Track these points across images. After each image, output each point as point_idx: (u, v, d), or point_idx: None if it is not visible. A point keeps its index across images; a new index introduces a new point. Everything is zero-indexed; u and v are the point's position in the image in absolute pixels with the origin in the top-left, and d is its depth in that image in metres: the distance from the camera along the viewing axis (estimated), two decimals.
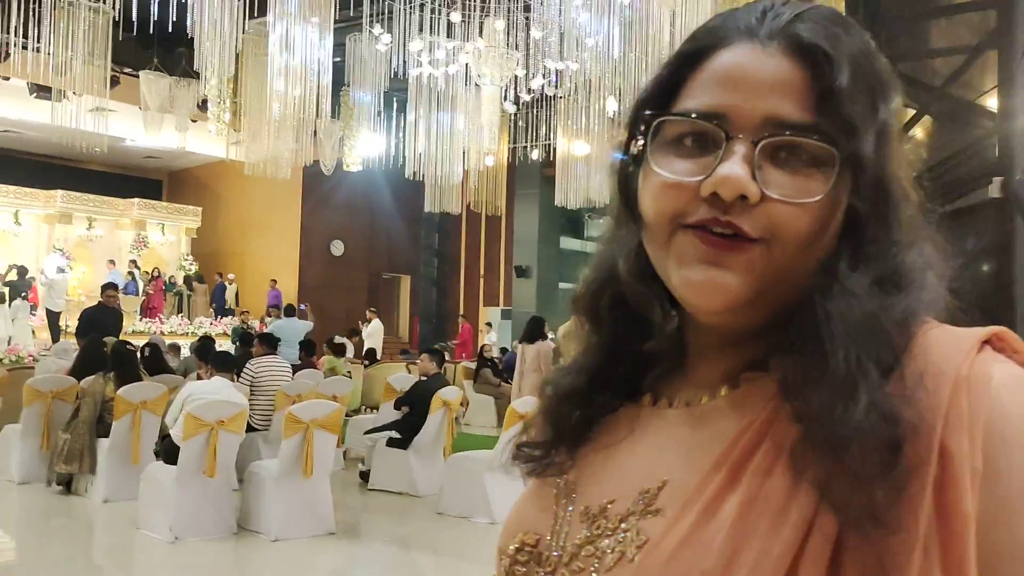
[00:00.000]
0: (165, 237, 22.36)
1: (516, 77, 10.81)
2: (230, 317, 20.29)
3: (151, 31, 11.60)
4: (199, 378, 6.92)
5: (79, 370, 8.27)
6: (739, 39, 0.66)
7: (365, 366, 13.27)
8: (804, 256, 0.64)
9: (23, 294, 15.70)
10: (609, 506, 0.69)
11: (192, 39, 10.66)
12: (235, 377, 6.72)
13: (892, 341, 0.61)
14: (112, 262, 19.80)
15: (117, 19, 11.24)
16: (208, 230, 23.06)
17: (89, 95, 12.39)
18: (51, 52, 11.67)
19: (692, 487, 0.64)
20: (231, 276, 21.49)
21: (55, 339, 16.08)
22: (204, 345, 8.52)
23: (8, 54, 11.75)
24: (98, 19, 11.55)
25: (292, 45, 10.30)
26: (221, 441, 5.88)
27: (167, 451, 6.08)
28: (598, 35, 9.68)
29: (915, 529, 0.55)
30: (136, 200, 22.06)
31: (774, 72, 0.64)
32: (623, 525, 0.67)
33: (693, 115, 0.65)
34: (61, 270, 17.56)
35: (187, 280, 21.71)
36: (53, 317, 16.15)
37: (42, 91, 16.09)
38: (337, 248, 23.18)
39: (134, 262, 20.45)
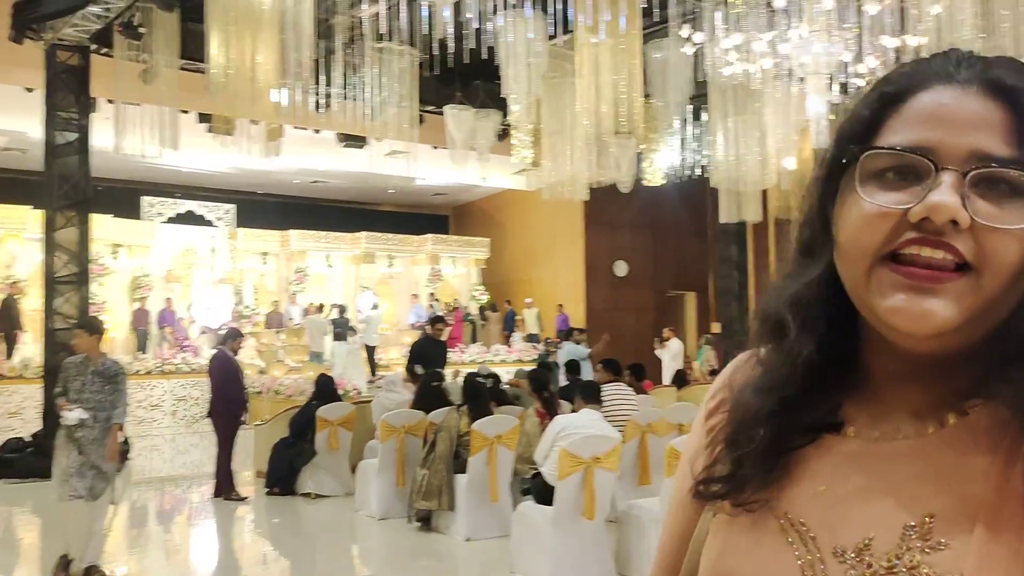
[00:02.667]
0: (456, 269, 23.15)
1: (843, 63, 9.74)
2: (535, 344, 20.47)
3: (451, 66, 11.89)
4: (569, 410, 6.55)
5: (420, 403, 8.31)
6: (938, 82, 0.70)
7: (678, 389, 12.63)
8: (1014, 284, 0.66)
9: (352, 330, 16.64)
10: (869, 544, 0.68)
11: (490, 70, 10.67)
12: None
13: None
14: (415, 296, 20.70)
15: (421, 61, 11.53)
16: (495, 260, 23.60)
17: (388, 139, 12.86)
18: (364, 99, 12.23)
19: (969, 520, 0.65)
20: (528, 300, 21.73)
21: (373, 372, 16.96)
22: (540, 377, 8.26)
23: (329, 105, 12.41)
24: (405, 62, 11.91)
25: (596, 60, 9.94)
26: (597, 479, 5.42)
27: (539, 490, 5.73)
28: (945, 1, 8.43)
29: None
30: (429, 236, 23.06)
31: (976, 111, 0.67)
32: (905, 561, 0.66)
33: (903, 149, 0.68)
34: (375, 306, 18.54)
35: (480, 310, 22.27)
36: (370, 351, 16.99)
37: (350, 140, 17.21)
38: (621, 269, 22.83)
39: (432, 295, 21.27)
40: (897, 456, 0.71)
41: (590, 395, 6.01)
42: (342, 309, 18.22)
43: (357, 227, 22.42)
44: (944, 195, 0.65)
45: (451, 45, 10.28)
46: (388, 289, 22.27)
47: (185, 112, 13.52)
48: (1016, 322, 0.67)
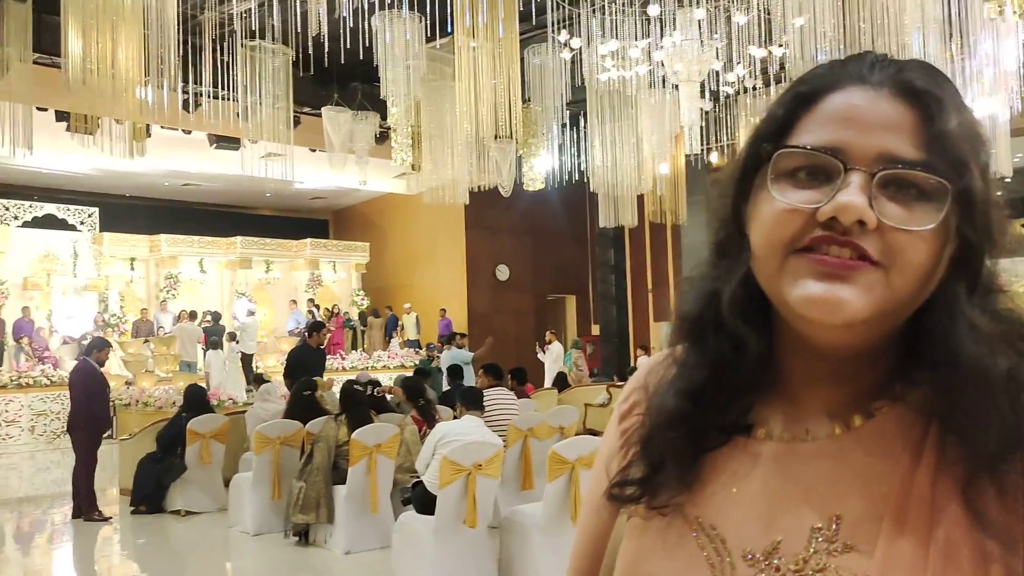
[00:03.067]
0: (337, 275, 22.70)
1: (713, 72, 10.03)
2: (416, 349, 20.26)
3: (327, 66, 11.60)
4: (451, 417, 6.44)
5: (292, 413, 8.05)
6: (851, 83, 0.71)
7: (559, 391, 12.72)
8: (920, 284, 0.67)
9: (233, 338, 16.05)
10: (778, 547, 0.69)
11: (368, 72, 10.46)
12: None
13: None
14: (294, 302, 20.19)
15: (295, 60, 11.21)
16: (376, 265, 23.29)
17: (263, 141, 12.47)
18: (237, 99, 11.79)
19: (875, 521, 0.66)
20: (407, 306, 21.50)
21: (249, 381, 16.39)
22: (414, 385, 8.13)
23: (199, 104, 11.92)
24: (278, 62, 11.56)
25: (476, 64, 9.89)
26: (479, 487, 5.35)
27: (420, 499, 5.61)
28: (807, 15, 8.80)
29: None
30: (308, 240, 22.53)
31: (886, 112, 0.69)
32: (812, 564, 0.67)
33: (813, 148, 0.69)
34: (251, 313, 17.96)
35: (361, 315, 21.91)
36: (247, 360, 16.43)
37: (223, 141, 16.60)
38: (502, 273, 22.92)
39: (312, 300, 20.79)
40: (806, 458, 0.72)
41: (471, 401, 5.93)
42: (216, 316, 17.55)
43: (232, 231, 21.67)
44: (852, 195, 0.66)
45: (327, 45, 10.05)
46: (266, 295, 21.62)
47: (43, 110, 12.75)
48: (922, 323, 0.69)
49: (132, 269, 20.45)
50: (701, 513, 0.74)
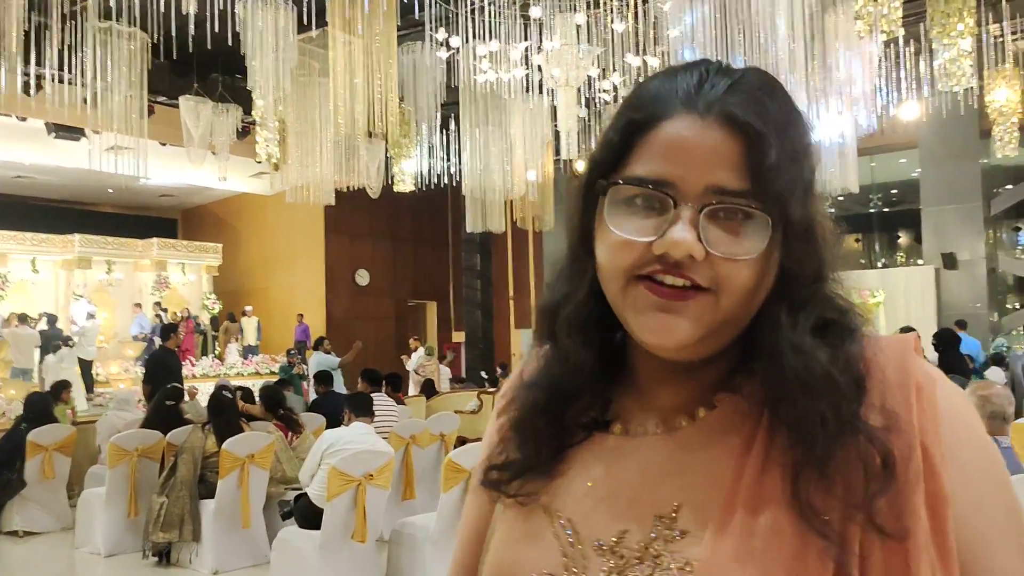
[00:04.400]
0: (186, 277, 21.52)
1: (589, 78, 10.07)
2: (259, 356, 19.43)
3: (187, 53, 10.89)
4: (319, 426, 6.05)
5: (154, 422, 7.44)
6: (680, 111, 0.75)
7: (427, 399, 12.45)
8: (747, 303, 0.74)
9: (69, 342, 14.83)
10: (624, 536, 0.74)
11: (230, 62, 9.90)
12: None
13: (853, 382, 0.72)
14: (139, 305, 19.00)
15: (154, 44, 10.48)
16: (229, 267, 22.26)
17: (110, 132, 11.59)
18: (85, 84, 10.90)
19: (711, 508, 0.71)
20: (247, 308, 20.57)
21: (89, 388, 15.23)
22: (272, 394, 7.72)
23: (40, 87, 10.95)
24: (133, 46, 10.77)
25: (351, 58, 9.54)
26: (369, 498, 5.05)
27: (303, 513, 5.24)
28: (682, 24, 8.98)
29: (919, 524, 0.66)
30: (155, 240, 21.25)
31: (713, 145, 0.73)
32: (651, 551, 0.72)
33: (646, 184, 0.74)
34: (91, 316, 16.71)
35: (213, 320, 20.86)
36: (86, 366, 15.27)
37: (62, 131, 15.37)
38: (362, 277, 22.44)
39: (159, 304, 19.60)
40: (655, 450, 0.78)
41: (361, 407, 5.59)
42: (52, 319, 16.23)
43: (70, 229, 20.14)
44: (681, 232, 0.71)
45: (192, 29, 9.44)
46: (107, 297, 20.18)
47: None
48: (757, 327, 0.75)
49: None
50: (559, 505, 0.79)
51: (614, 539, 0.74)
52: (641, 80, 0.83)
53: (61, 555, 7.24)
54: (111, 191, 21.49)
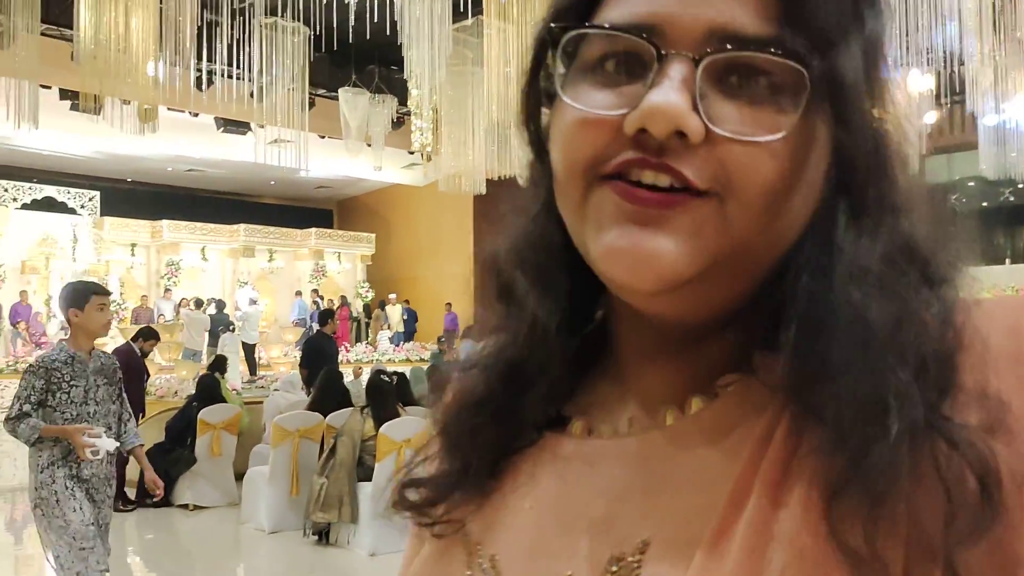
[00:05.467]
0: (341, 265, 22.32)
1: None
2: (409, 343, 19.87)
3: (347, 45, 11.18)
4: None
5: (319, 404, 7.64)
6: None
7: None
8: (773, 219, 0.48)
9: (232, 327, 15.64)
10: None
11: (386, 54, 10.06)
12: None
13: (944, 350, 0.45)
14: (299, 293, 19.80)
15: (316, 37, 10.80)
16: (381, 257, 22.91)
17: (271, 126, 12.03)
18: (252, 79, 11.37)
19: (693, 546, 0.46)
20: (391, 296, 21.02)
21: (252, 371, 15.98)
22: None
23: (211, 83, 11.50)
24: (296, 39, 11.14)
25: (505, 46, 9.50)
26: None
27: None
28: None
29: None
30: (313, 230, 22.15)
31: None
32: None
33: (611, 27, 0.49)
34: (253, 302, 17.56)
35: (365, 307, 21.52)
36: (249, 350, 16.03)
37: (231, 125, 16.16)
38: None
39: (316, 291, 20.38)
40: (621, 460, 0.53)
41: None
42: (220, 305, 17.14)
43: (235, 219, 21.29)
44: (666, 94, 0.46)
45: (352, 21, 9.66)
46: (268, 285, 21.22)
47: (46, 88, 12.30)
48: (788, 277, 0.49)
49: (133, 255, 20.05)
50: (482, 536, 0.56)
51: None
52: None
53: (227, 530, 7.54)
54: (273, 183, 22.57)
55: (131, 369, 8.00)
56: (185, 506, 8.02)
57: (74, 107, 14.05)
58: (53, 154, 18.69)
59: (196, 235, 20.66)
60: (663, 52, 0.47)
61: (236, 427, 8.21)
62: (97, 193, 19.74)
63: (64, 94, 13.73)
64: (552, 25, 0.52)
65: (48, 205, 18.95)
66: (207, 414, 8.03)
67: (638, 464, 0.53)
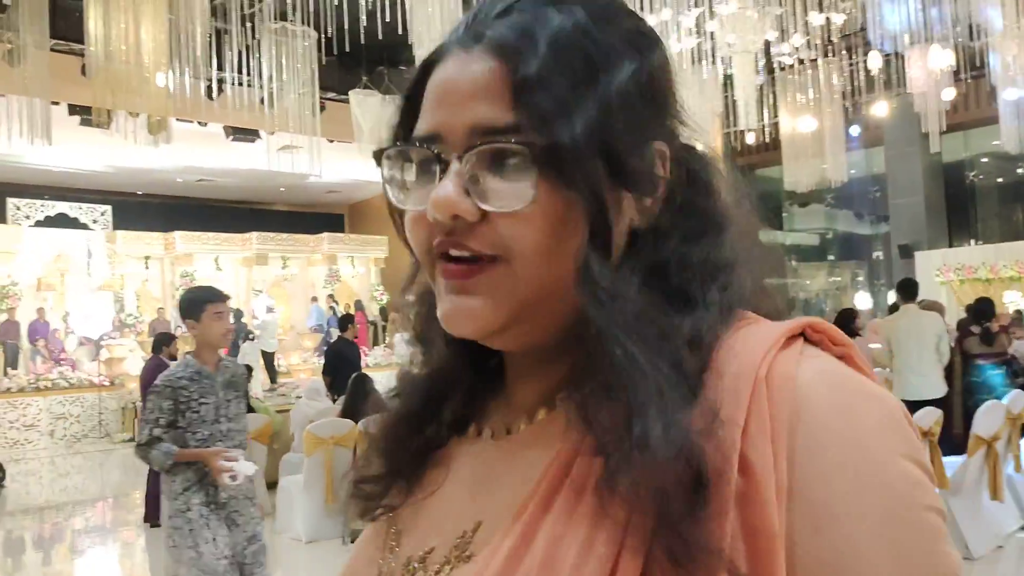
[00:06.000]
0: (355, 270, 22.24)
1: (767, 42, 9.51)
2: None
3: (359, 44, 11.06)
4: None
5: (351, 410, 7.56)
6: (453, 49, 0.63)
7: None
8: (555, 265, 0.59)
9: (251, 336, 15.58)
10: (428, 555, 0.66)
11: (394, 55, 9.97)
12: None
13: (684, 357, 0.57)
14: (315, 299, 19.74)
15: (327, 39, 10.70)
16: (395, 259, 22.81)
17: (281, 132, 11.95)
18: (261, 86, 11.29)
19: (502, 527, 0.59)
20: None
21: (273, 379, 15.95)
22: None
23: (221, 90, 11.42)
24: (306, 43, 11.06)
25: None
26: None
27: None
28: None
29: (721, 555, 0.51)
30: (325, 235, 22.08)
31: (476, 77, 0.60)
32: (441, 574, 0.63)
33: (402, 144, 0.65)
34: (270, 309, 17.50)
35: (382, 310, 21.46)
36: (268, 358, 15.98)
37: (240, 133, 16.11)
38: None
39: (331, 296, 20.33)
40: (489, 457, 0.68)
41: None
42: (238, 314, 17.10)
43: (247, 227, 21.24)
44: (441, 189, 0.59)
45: (364, 21, 9.56)
46: (283, 292, 21.16)
47: (55, 104, 12.24)
48: (583, 318, 0.59)
49: (147, 268, 20.02)
50: (398, 520, 0.71)
51: (420, 558, 0.66)
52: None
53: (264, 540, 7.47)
54: (283, 189, 22.52)
55: None
56: None
57: (84, 122, 14.01)
58: (64, 170, 18.67)
59: (209, 245, 20.61)
60: (441, 156, 0.60)
61: (267, 437, 8.14)
62: (109, 207, 19.70)
63: (73, 109, 13.70)
64: (375, 149, 0.66)
65: (61, 221, 18.93)
66: None
67: (492, 462, 0.67)
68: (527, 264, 0.59)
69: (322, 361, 17.47)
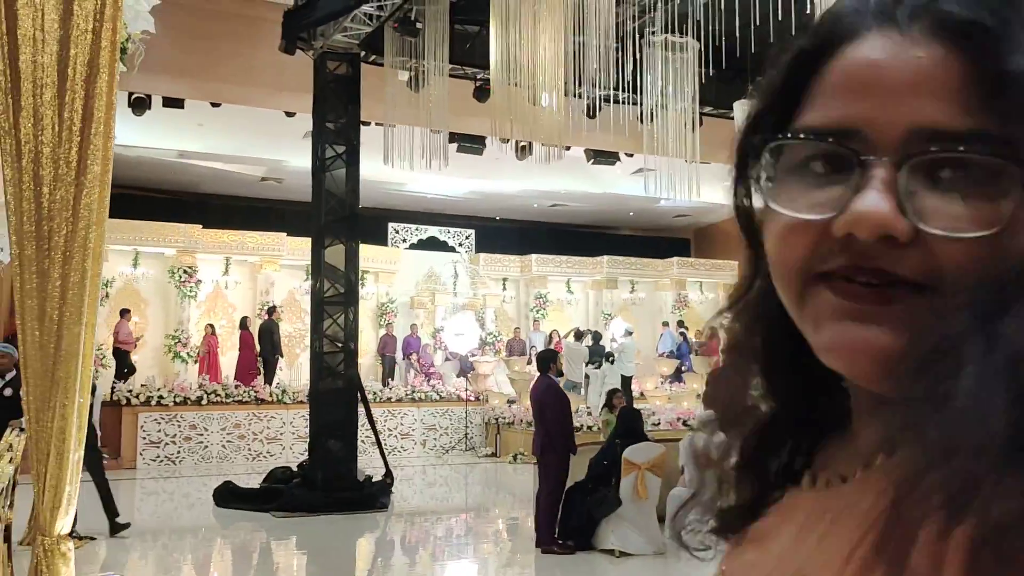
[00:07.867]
0: (704, 295, 21.54)
1: None
2: None
3: (736, 56, 10.44)
4: None
5: None
6: (871, 27, 0.51)
7: None
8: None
9: (611, 358, 15.47)
10: None
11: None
12: None
13: None
14: (666, 324, 19.32)
15: (713, 50, 10.18)
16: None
17: (661, 153, 11.52)
18: (636, 103, 11.02)
19: None
20: None
21: (629, 403, 15.62)
22: None
23: (600, 109, 11.29)
24: (685, 56, 10.61)
25: None
26: None
27: None
28: None
29: None
30: (675, 259, 21.66)
31: (919, 66, 0.49)
32: None
33: (821, 136, 0.51)
34: (629, 333, 17.28)
35: None
36: (626, 382, 15.71)
37: (600, 157, 16.11)
38: None
39: (681, 323, 19.79)
40: (810, 508, 0.57)
41: None
42: (597, 336, 17.08)
43: (596, 251, 21.44)
44: (870, 201, 0.48)
45: (748, 26, 8.90)
46: (630, 316, 21.00)
47: (436, 132, 12.88)
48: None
49: (504, 289, 20.81)
50: (730, 567, 0.64)
51: None
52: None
53: None
54: (632, 214, 22.44)
55: (562, 400, 7.79)
56: (610, 551, 7.57)
57: (463, 148, 14.76)
58: (436, 197, 19.98)
59: (562, 268, 21.00)
60: (864, 158, 0.48)
61: (662, 468, 7.65)
62: (472, 231, 20.78)
63: (452, 137, 14.37)
64: (755, 138, 0.54)
65: (431, 244, 20.25)
66: (632, 453, 7.55)
67: (819, 512, 0.55)
68: (954, 299, 0.47)
69: (677, 389, 16.94)
